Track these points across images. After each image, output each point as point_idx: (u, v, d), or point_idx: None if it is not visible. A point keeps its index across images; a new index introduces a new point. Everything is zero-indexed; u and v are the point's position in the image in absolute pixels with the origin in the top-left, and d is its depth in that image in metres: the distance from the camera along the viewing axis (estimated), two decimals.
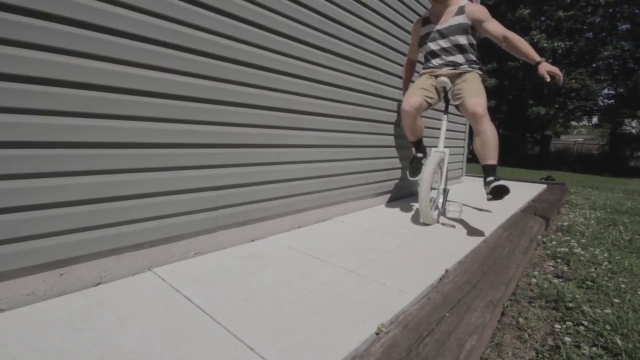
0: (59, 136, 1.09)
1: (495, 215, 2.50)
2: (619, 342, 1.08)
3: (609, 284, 1.55)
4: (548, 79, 1.83)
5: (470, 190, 3.82)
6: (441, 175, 2.31)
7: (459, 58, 2.17)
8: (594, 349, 1.07)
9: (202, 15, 1.42)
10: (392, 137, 2.81)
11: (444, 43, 2.18)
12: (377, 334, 0.98)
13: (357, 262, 1.49)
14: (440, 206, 2.29)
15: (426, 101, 2.20)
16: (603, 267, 1.78)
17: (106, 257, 1.24)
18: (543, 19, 14.22)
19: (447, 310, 1.13)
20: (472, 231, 2.05)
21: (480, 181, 4.75)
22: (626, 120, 15.39)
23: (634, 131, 15.80)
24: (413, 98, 2.16)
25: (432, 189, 2.16)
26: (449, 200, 2.21)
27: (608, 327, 1.17)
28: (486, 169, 1.99)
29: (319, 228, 2.05)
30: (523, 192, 3.83)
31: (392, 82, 2.71)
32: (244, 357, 0.84)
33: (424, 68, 2.36)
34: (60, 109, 1.09)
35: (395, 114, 2.81)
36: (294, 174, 1.94)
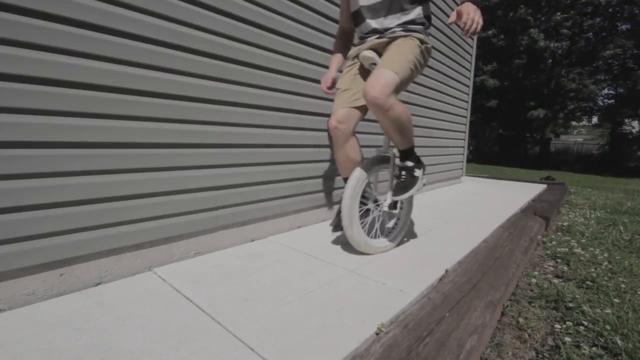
0: (59, 136, 1.09)
1: (495, 215, 2.50)
2: (619, 342, 1.08)
3: (609, 284, 1.55)
4: (450, 21, 1.31)
5: (470, 190, 3.82)
6: (391, 184, 1.63)
7: (389, 21, 1.47)
8: (594, 349, 1.07)
9: (202, 15, 1.42)
10: None
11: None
12: (377, 334, 0.98)
13: (357, 262, 1.49)
14: (388, 230, 1.76)
15: (357, 107, 1.52)
16: (603, 267, 1.78)
17: (106, 257, 1.24)
18: (543, 19, 14.24)
19: (447, 310, 1.13)
20: (472, 231, 2.05)
21: (480, 181, 4.77)
22: (626, 120, 15.39)
23: (634, 131, 15.80)
24: (339, 111, 1.52)
25: (378, 204, 1.65)
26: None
27: (608, 327, 1.17)
28: (399, 152, 1.57)
29: (319, 228, 2.04)
30: (523, 192, 3.83)
31: None
32: (244, 357, 0.84)
33: (347, 59, 1.70)
34: (60, 109, 1.09)
35: None
36: (294, 174, 1.94)
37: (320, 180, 2.13)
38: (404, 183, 1.53)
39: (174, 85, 1.36)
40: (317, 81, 2.02)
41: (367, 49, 1.51)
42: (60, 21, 1.06)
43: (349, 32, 1.72)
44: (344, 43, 1.73)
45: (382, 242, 1.67)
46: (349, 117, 1.53)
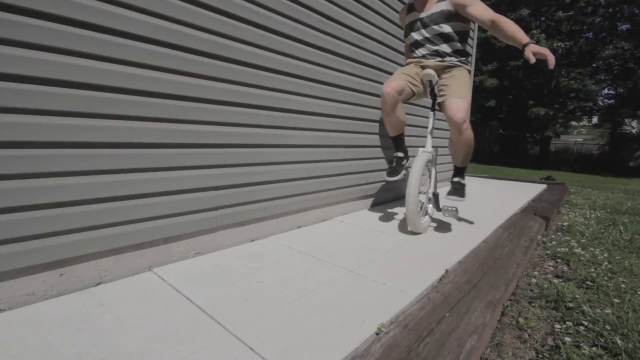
0: (59, 136, 1.09)
1: (495, 215, 2.50)
2: (619, 342, 1.08)
3: (609, 284, 1.55)
4: (532, 61, 1.62)
5: (470, 190, 3.82)
6: (430, 177, 2.13)
7: (444, 47, 1.97)
8: (594, 349, 1.07)
9: (202, 15, 1.42)
10: None
11: (427, 32, 1.98)
12: (377, 334, 0.98)
13: (357, 262, 1.49)
14: (430, 212, 2.14)
15: (410, 88, 1.98)
16: (603, 267, 1.78)
17: (106, 257, 1.24)
18: (543, 19, 14.23)
19: (447, 310, 1.13)
20: (472, 231, 2.05)
21: (479, 181, 4.76)
22: (626, 120, 15.40)
23: (634, 131, 15.81)
24: (395, 81, 1.93)
25: (420, 192, 1.95)
26: (445, 206, 2.06)
27: (608, 327, 1.17)
28: (455, 169, 2.11)
29: (319, 228, 2.04)
30: (523, 192, 3.83)
31: None
32: (244, 357, 0.84)
33: (408, 59, 2.17)
34: (60, 109, 1.09)
35: None
36: (294, 174, 1.94)
37: (320, 180, 2.13)
38: (460, 192, 2.03)
39: (174, 85, 1.36)
40: (317, 81, 2.02)
41: (430, 68, 1.96)
42: (60, 21, 1.06)
43: None
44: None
45: (425, 220, 2.04)
46: (402, 89, 1.93)
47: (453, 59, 1.98)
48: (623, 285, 1.54)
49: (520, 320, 1.25)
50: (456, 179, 2.07)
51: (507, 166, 12.68)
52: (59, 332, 0.92)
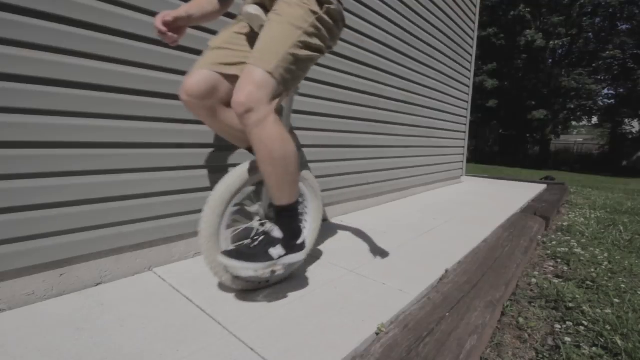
0: (59, 136, 1.09)
1: (495, 215, 2.50)
2: (619, 342, 1.08)
3: (609, 284, 1.55)
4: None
5: (470, 190, 3.83)
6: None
7: None
8: (594, 349, 1.07)
9: None
10: (392, 137, 2.81)
11: None
12: (377, 334, 0.98)
13: (357, 262, 1.49)
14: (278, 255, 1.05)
15: (223, 74, 1.07)
16: (603, 267, 1.78)
17: (106, 257, 1.24)
18: (543, 19, 14.25)
19: (447, 310, 1.13)
20: (472, 231, 2.05)
21: (480, 181, 4.77)
22: (626, 120, 15.41)
23: (634, 131, 15.82)
24: (193, 76, 1.06)
25: (266, 220, 1.14)
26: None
27: (608, 327, 1.17)
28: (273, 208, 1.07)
29: None
30: (523, 192, 3.84)
31: (392, 82, 2.71)
32: (244, 357, 0.84)
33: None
34: (60, 109, 1.08)
35: (394, 114, 2.80)
36: None
37: (320, 180, 2.12)
38: (252, 250, 1.01)
39: (174, 85, 1.36)
40: (317, 81, 2.02)
41: (250, 3, 1.08)
42: (60, 21, 1.06)
43: None
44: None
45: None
46: (209, 87, 1.05)
47: None
48: (623, 285, 1.54)
49: (520, 320, 1.25)
50: (268, 227, 1.06)
51: (507, 166, 12.69)
52: (59, 332, 0.92)
